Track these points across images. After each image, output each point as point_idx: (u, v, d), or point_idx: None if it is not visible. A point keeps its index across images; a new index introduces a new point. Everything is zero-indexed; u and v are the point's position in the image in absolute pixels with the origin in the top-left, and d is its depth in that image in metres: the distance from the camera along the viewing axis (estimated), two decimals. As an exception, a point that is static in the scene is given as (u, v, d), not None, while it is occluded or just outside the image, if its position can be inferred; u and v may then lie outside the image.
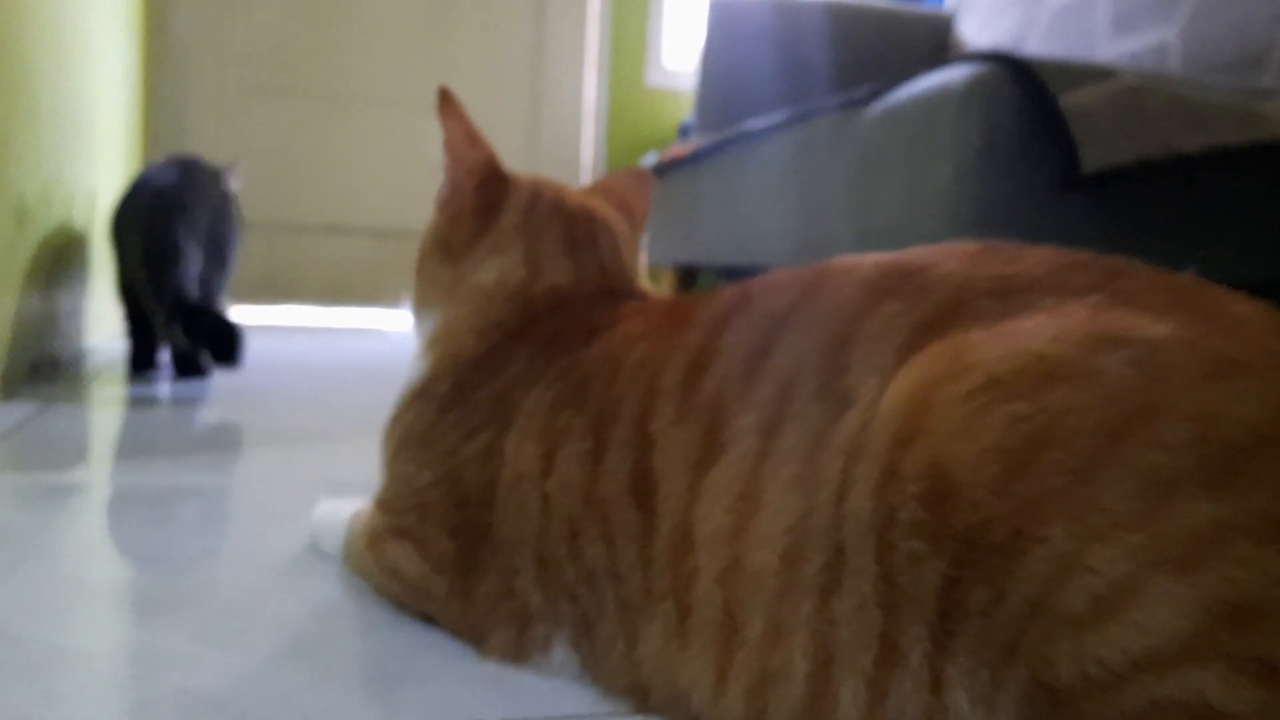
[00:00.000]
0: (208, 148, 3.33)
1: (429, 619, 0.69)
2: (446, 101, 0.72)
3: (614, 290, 0.72)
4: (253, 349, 1.97)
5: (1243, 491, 0.40)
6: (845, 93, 1.74)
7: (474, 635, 0.65)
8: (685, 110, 3.51)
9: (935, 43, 2.56)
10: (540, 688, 0.60)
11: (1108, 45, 1.92)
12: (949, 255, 0.52)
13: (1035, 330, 0.45)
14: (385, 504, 0.72)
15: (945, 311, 0.49)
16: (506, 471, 0.63)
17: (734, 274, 2.92)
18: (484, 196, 0.73)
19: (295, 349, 2.41)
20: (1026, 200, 1.29)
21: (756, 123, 2.02)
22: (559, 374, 0.64)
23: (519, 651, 0.62)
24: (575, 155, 3.62)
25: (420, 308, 0.76)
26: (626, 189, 0.81)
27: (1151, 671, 0.39)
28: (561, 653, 0.61)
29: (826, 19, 2.48)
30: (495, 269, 0.71)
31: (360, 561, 0.75)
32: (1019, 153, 1.29)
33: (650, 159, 2.62)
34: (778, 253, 1.87)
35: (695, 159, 2.26)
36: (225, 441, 1.36)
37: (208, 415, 1.54)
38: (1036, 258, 0.50)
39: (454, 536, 0.65)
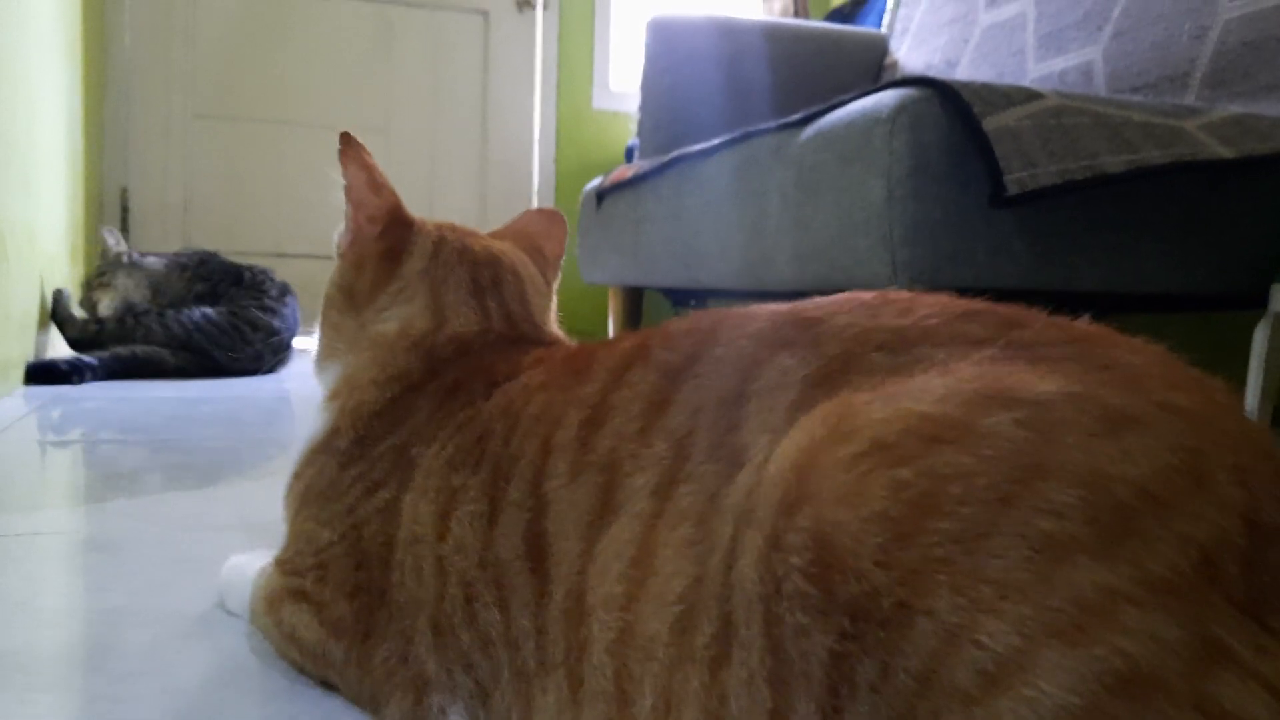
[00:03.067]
0: (154, 174, 3.30)
1: (328, 686, 0.67)
2: (348, 146, 0.70)
3: (520, 338, 0.71)
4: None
5: (1131, 556, 0.39)
6: (784, 113, 1.76)
7: (371, 703, 0.63)
8: (632, 132, 3.53)
9: (871, 63, 2.60)
10: None
11: (1036, 65, 1.97)
12: (844, 306, 0.51)
13: (922, 390, 0.44)
14: (284, 564, 0.70)
15: (837, 366, 0.48)
16: (403, 532, 0.61)
17: (679, 294, 2.94)
18: (387, 243, 0.72)
19: (238, 378, 2.39)
20: (956, 218, 1.32)
21: (697, 145, 2.04)
22: (457, 428, 0.62)
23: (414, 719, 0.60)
24: (525, 178, 3.63)
25: (323, 358, 0.75)
26: (538, 231, 0.81)
27: None
28: None
29: (765, 40, 2.51)
30: (398, 317, 0.70)
31: (260, 623, 0.73)
32: (948, 173, 1.32)
33: (594, 184, 2.64)
34: (720, 273, 1.89)
35: (638, 181, 2.28)
36: (142, 483, 1.33)
37: (126, 452, 1.52)
38: (931, 308, 0.50)
39: (352, 599, 0.63)
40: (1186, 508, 0.40)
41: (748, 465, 0.47)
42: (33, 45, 2.19)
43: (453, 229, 0.74)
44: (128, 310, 2.31)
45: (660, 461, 0.50)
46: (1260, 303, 1.46)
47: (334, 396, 0.71)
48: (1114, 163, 1.31)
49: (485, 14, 3.60)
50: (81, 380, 2.12)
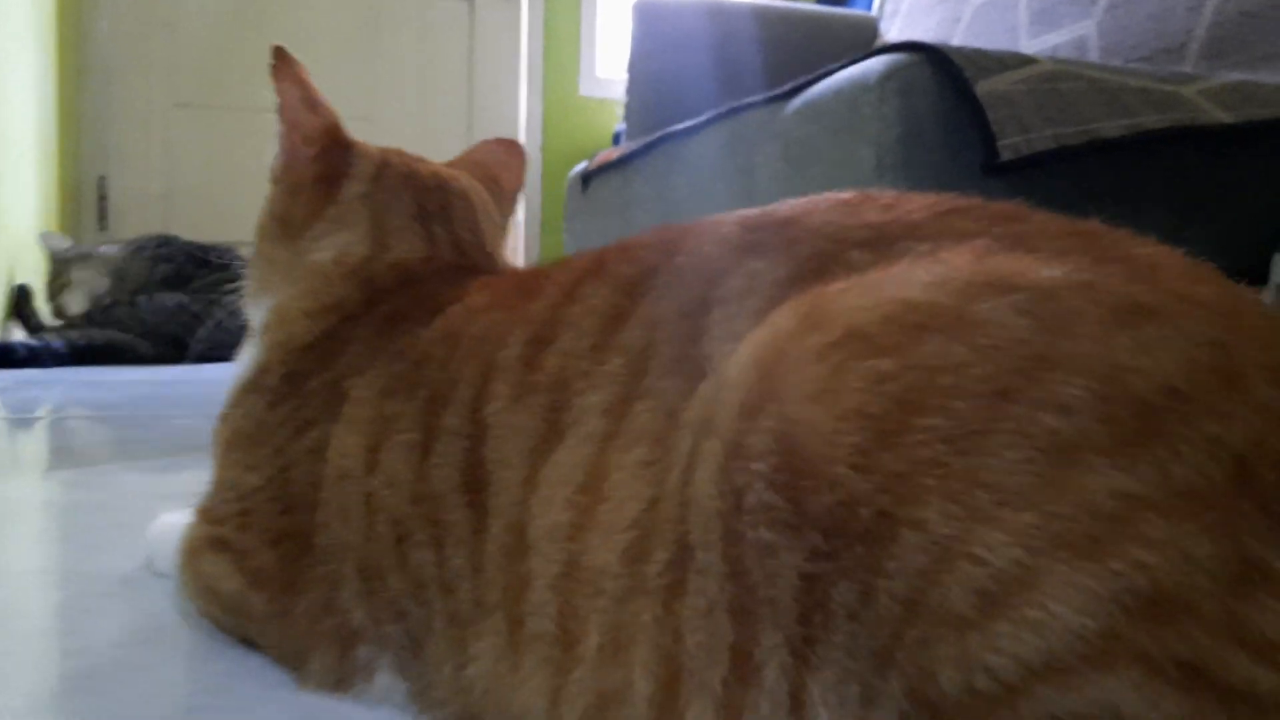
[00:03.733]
0: (133, 164, 3.25)
1: (249, 643, 0.62)
2: (282, 62, 0.65)
3: (469, 267, 0.65)
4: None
5: (1154, 459, 0.33)
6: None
7: (293, 659, 0.57)
8: (620, 118, 3.48)
9: (862, 45, 2.56)
10: None
11: (1029, 41, 1.93)
12: (819, 205, 0.46)
13: (905, 277, 0.39)
14: (206, 512, 0.64)
15: (812, 266, 0.42)
16: (329, 469, 0.55)
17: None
18: (324, 166, 0.66)
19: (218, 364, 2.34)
20: (949, 186, 1.27)
21: (684, 124, 1.99)
22: (393, 357, 0.56)
23: (340, 678, 0.54)
24: (511, 166, 3.58)
25: (255, 293, 0.68)
26: (494, 161, 0.75)
27: (1051, 681, 0.32)
28: (385, 679, 0.53)
29: (753, 22, 2.47)
30: (334, 245, 0.64)
31: (180, 578, 0.67)
32: (939, 140, 1.27)
33: (580, 167, 2.59)
34: (707, 253, 1.85)
35: (624, 162, 2.23)
36: (93, 456, 1.29)
37: (87, 428, 1.48)
38: (916, 203, 0.45)
39: (275, 546, 0.58)
40: (1216, 407, 0.34)
41: (710, 376, 0.41)
42: (6, 31, 2.14)
43: (399, 154, 0.69)
44: (96, 303, 2.25)
45: (614, 378, 0.45)
46: (1262, 276, 1.42)
47: (264, 331, 0.64)
48: (1111, 128, 1.27)
49: (470, 1, 3.56)
50: (43, 364, 2.06)
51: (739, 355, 0.40)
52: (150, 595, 0.73)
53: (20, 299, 2.23)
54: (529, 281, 0.55)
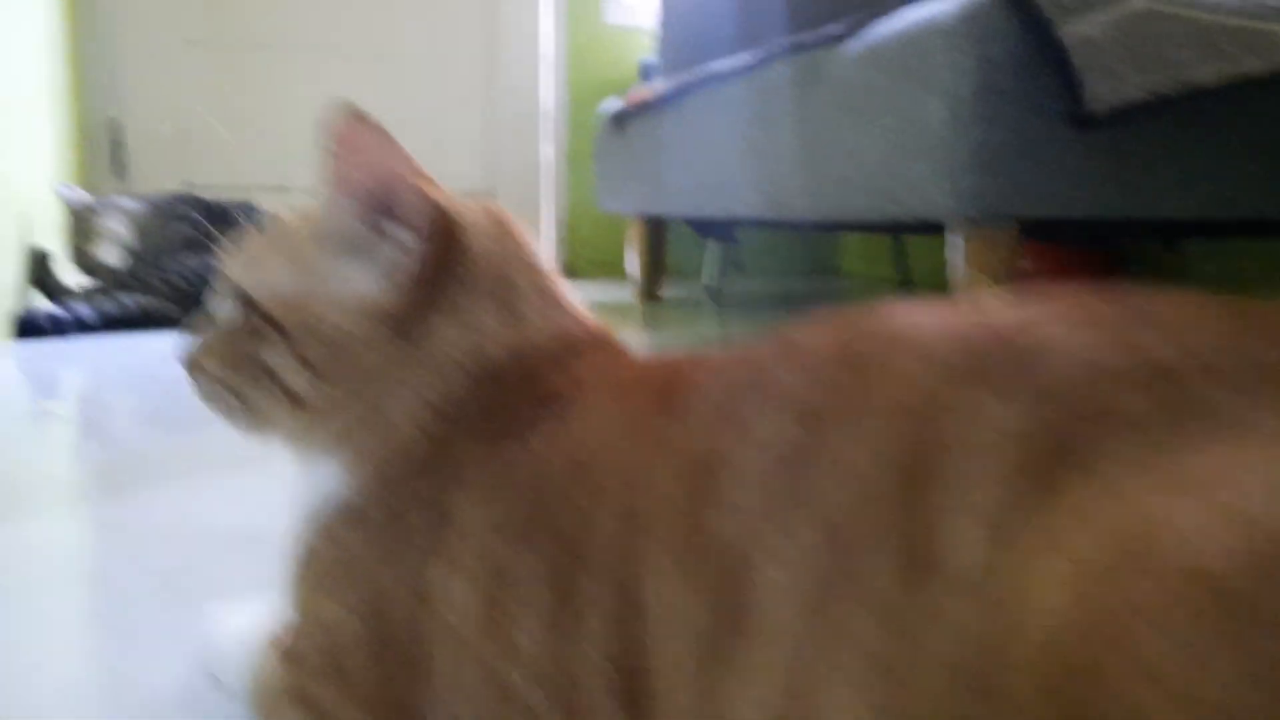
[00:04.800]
0: (144, 105, 3.15)
1: None
2: (359, 127, 0.49)
3: (571, 346, 0.52)
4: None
5: None
6: (814, 25, 1.60)
7: None
8: (646, 48, 3.34)
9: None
10: None
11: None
12: (1068, 320, 0.34)
13: (1233, 475, 0.28)
14: (289, 653, 0.53)
15: (1074, 422, 0.31)
16: (436, 621, 0.45)
17: (704, 226, 2.79)
18: (437, 250, 0.51)
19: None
20: (1028, 141, 1.18)
21: (723, 64, 1.88)
22: (501, 469, 0.45)
23: None
24: (534, 100, 3.45)
25: (334, 405, 0.52)
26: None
27: None
28: None
29: (794, -54, 2.32)
30: (449, 338, 0.51)
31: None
32: (1018, 90, 1.17)
33: (612, 104, 2.48)
34: (752, 202, 1.75)
35: (660, 103, 2.12)
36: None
37: (122, 398, 1.41)
38: (1202, 321, 0.33)
39: (371, 712, 0.48)
40: None
41: (943, 568, 0.31)
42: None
43: (498, 220, 0.55)
44: (131, 254, 2.15)
45: (804, 554, 0.34)
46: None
47: (349, 446, 0.51)
48: (1206, 73, 1.16)
49: (488, -75, 3.40)
50: (70, 333, 1.99)
51: (1038, 589, 0.29)
52: None
53: (39, 264, 2.12)
54: (663, 386, 0.44)
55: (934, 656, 0.30)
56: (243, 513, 0.91)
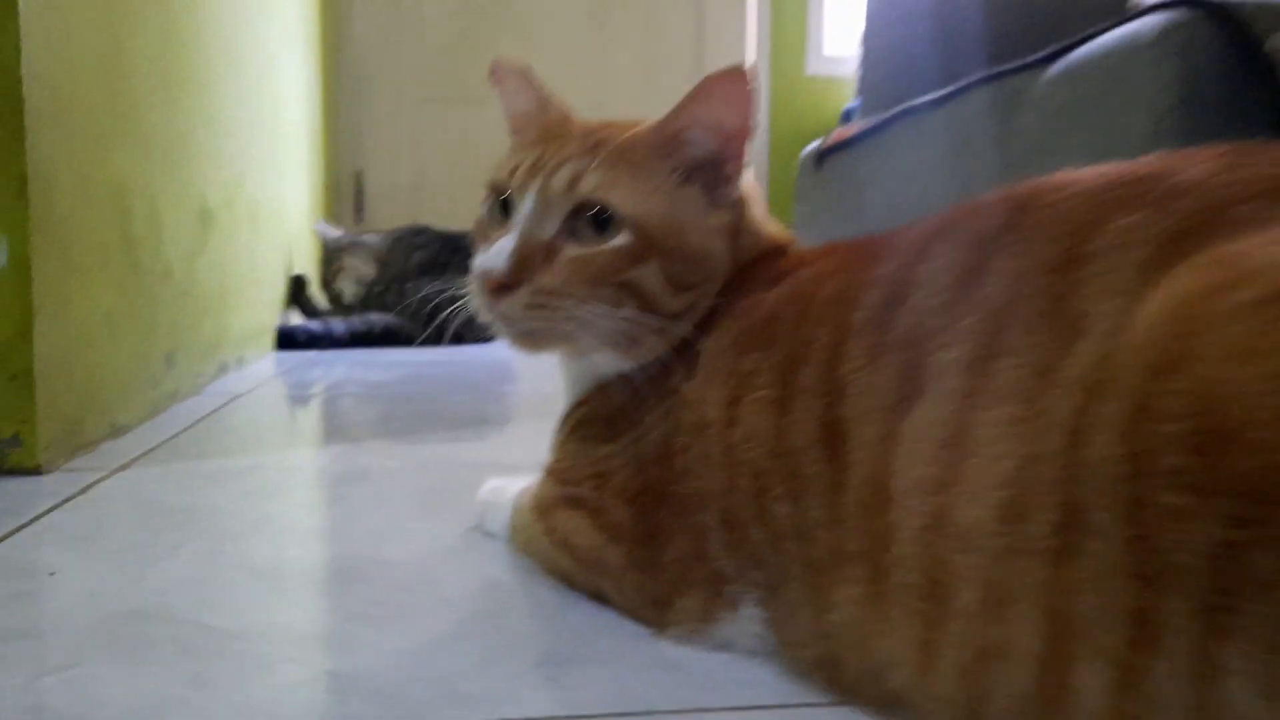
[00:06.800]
0: (385, 156, 3.46)
1: (599, 597, 0.64)
2: (740, 81, 0.61)
3: (788, 241, 0.69)
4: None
5: None
6: (1006, 62, 1.64)
7: (652, 607, 0.60)
8: (847, 97, 3.42)
9: (1113, 4, 2.40)
10: (722, 677, 0.54)
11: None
12: (1191, 160, 0.43)
13: None
14: (558, 473, 0.68)
15: (1197, 221, 0.40)
16: (688, 416, 0.58)
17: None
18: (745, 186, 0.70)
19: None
20: (1232, 153, 1.18)
21: (923, 98, 1.94)
22: (739, 314, 0.59)
23: (705, 616, 0.57)
24: (737, 149, 3.59)
25: (681, 312, 0.64)
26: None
27: None
28: (750, 611, 0.55)
29: (993, -11, 2.36)
30: (747, 241, 0.67)
31: (527, 534, 0.72)
32: (1223, 102, 1.18)
33: (813, 146, 2.56)
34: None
35: (860, 139, 2.19)
36: (389, 427, 1.39)
37: (372, 404, 1.59)
38: None
39: (631, 504, 0.60)
40: None
41: (1089, 333, 0.40)
42: (277, 35, 2.33)
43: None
44: (366, 289, 2.43)
45: (973, 334, 0.44)
46: None
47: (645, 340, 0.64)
48: None
49: (698, -14, 3.59)
50: (323, 347, 2.24)
51: (1145, 314, 0.38)
52: (486, 555, 0.77)
53: (297, 287, 2.44)
54: (874, 247, 0.56)
55: (1066, 384, 0.40)
56: (479, 454, 1.14)
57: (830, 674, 0.50)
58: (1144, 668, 0.37)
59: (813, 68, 3.60)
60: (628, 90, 3.51)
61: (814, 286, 0.56)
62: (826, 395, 0.50)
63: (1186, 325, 0.36)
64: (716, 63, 3.20)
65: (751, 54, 3.59)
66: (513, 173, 0.64)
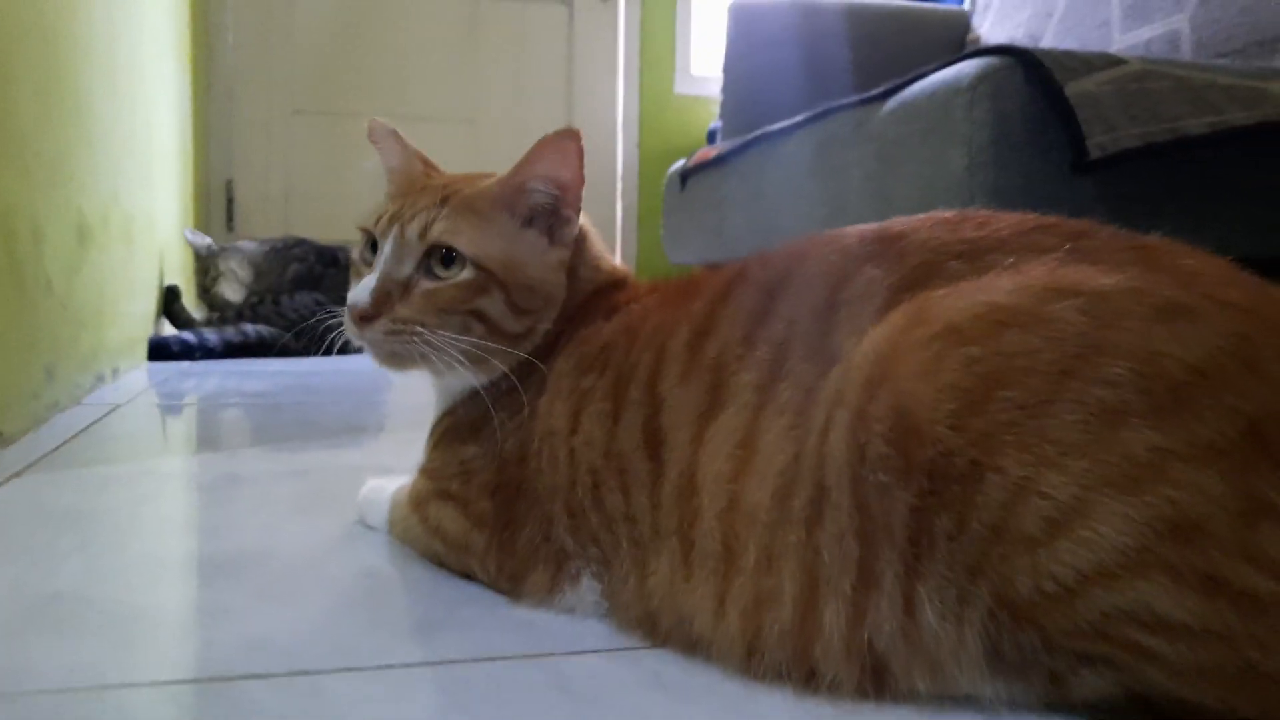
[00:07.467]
0: (255, 166, 3.45)
1: (466, 575, 0.76)
2: (570, 140, 0.72)
3: (624, 276, 0.81)
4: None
5: (1181, 422, 0.44)
6: (865, 92, 1.79)
7: (510, 581, 0.71)
8: (713, 115, 3.57)
9: (954, 40, 2.60)
10: (564, 632, 0.67)
11: (1121, 36, 1.96)
12: (925, 223, 0.58)
13: (994, 284, 0.51)
14: (430, 471, 0.80)
15: (919, 275, 0.54)
16: (539, 426, 0.70)
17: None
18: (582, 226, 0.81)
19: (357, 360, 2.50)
20: (1038, 185, 1.34)
21: (778, 124, 2.08)
22: (582, 340, 0.71)
23: (552, 588, 0.69)
24: (610, 163, 3.70)
25: (521, 334, 0.75)
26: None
27: (1100, 584, 0.44)
28: (588, 583, 0.67)
29: (846, 20, 2.53)
30: (586, 273, 0.79)
31: (404, 525, 0.83)
32: (1029, 140, 1.34)
33: (678, 165, 2.69)
34: (804, 247, 1.93)
35: (720, 161, 2.32)
36: (268, 434, 1.43)
37: (251, 413, 1.63)
38: (1005, 221, 0.56)
39: (493, 496, 0.72)
40: (1235, 385, 0.45)
41: (840, 362, 0.54)
42: (148, 45, 2.32)
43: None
44: (250, 294, 2.45)
45: (762, 363, 0.58)
46: (1351, 265, 1.45)
47: (495, 358, 0.74)
48: (1196, 125, 1.32)
49: (569, 4, 3.68)
50: (196, 358, 2.25)
51: (864, 345, 0.52)
52: (368, 545, 0.87)
53: (170, 298, 2.43)
54: (689, 287, 0.70)
55: (822, 399, 0.54)
56: (356, 459, 1.20)
57: (649, 627, 0.63)
58: (867, 603, 0.51)
59: (681, 86, 3.74)
60: (499, 103, 3.58)
61: (640, 320, 0.69)
62: (649, 407, 0.63)
63: (887, 353, 0.51)
64: (587, 80, 3.30)
65: (621, 71, 3.71)
66: (378, 220, 0.76)
